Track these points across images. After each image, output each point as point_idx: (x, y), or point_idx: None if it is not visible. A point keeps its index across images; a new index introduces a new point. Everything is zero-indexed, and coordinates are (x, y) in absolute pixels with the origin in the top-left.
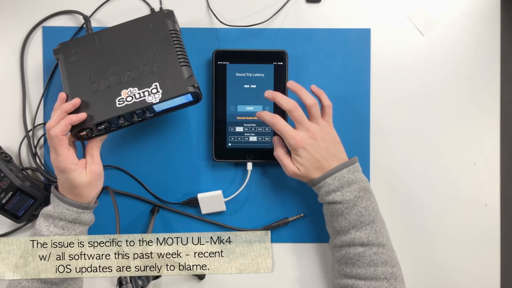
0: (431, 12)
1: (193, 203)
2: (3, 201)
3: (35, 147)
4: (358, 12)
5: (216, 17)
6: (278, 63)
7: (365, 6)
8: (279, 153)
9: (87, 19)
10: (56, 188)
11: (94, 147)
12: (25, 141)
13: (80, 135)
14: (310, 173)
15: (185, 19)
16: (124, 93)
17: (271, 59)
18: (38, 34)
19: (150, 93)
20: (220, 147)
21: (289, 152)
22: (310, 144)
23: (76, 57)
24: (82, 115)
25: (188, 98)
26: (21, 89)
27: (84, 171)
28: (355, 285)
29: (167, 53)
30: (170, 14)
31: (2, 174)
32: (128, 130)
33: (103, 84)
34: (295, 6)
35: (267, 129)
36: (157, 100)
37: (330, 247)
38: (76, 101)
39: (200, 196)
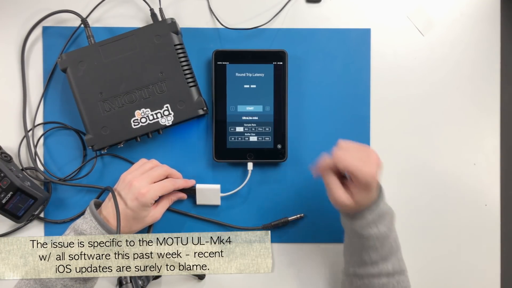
0: (431, 12)
1: (190, 191)
2: (3, 201)
3: (35, 147)
4: (358, 12)
5: (218, 20)
6: (278, 63)
7: (365, 6)
8: (331, 179)
9: (85, 23)
10: (96, 205)
11: (172, 201)
12: (25, 141)
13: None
14: (357, 207)
15: (186, 20)
16: (138, 114)
17: (270, 59)
18: (37, 34)
19: (162, 115)
20: (220, 147)
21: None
22: (373, 185)
23: (84, 72)
24: (181, 182)
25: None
26: (21, 89)
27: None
28: None
29: (175, 71)
30: (173, 25)
31: (2, 174)
32: None
33: (116, 103)
34: (295, 6)
35: (267, 129)
36: (170, 123)
37: (347, 273)
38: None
39: (198, 186)
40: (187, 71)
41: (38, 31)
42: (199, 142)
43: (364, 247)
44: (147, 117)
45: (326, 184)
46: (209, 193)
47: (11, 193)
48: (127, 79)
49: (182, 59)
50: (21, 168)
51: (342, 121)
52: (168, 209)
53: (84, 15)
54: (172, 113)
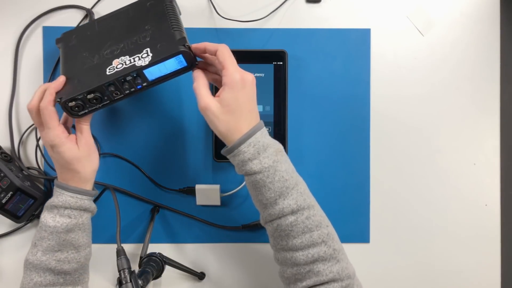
0: (431, 12)
1: (190, 192)
2: (3, 201)
3: (37, 146)
4: (358, 12)
5: (215, 9)
6: (278, 63)
7: (365, 6)
8: (200, 83)
9: (90, 12)
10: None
11: (83, 122)
12: (27, 141)
13: (71, 108)
14: (225, 118)
15: (185, 14)
16: (116, 62)
17: (271, 59)
18: (38, 33)
19: (140, 58)
20: (220, 147)
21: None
22: (242, 87)
23: (75, 41)
24: (61, 78)
25: (181, 62)
26: (16, 88)
27: (76, 145)
28: (293, 258)
29: (162, 23)
30: None
31: (2, 174)
32: (126, 130)
33: (96, 58)
34: (295, 6)
35: (267, 128)
36: (147, 63)
37: (262, 223)
38: (61, 78)
39: (197, 187)
40: (173, 19)
41: (38, 29)
42: (199, 142)
43: (255, 187)
44: (124, 63)
45: (195, 88)
46: (209, 193)
47: (11, 193)
48: (113, 39)
49: (170, 12)
50: (21, 168)
51: (342, 121)
52: (169, 210)
53: (83, 15)
54: (151, 54)
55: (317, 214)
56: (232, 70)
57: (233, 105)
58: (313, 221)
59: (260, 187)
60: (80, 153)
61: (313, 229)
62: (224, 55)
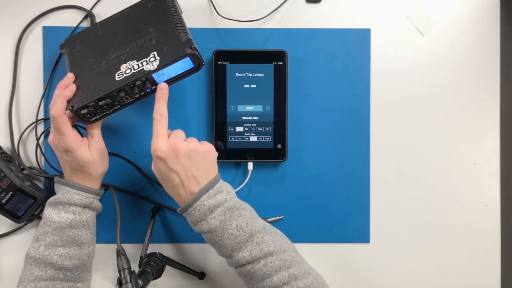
0: (431, 12)
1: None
2: (3, 201)
3: (37, 144)
4: (358, 12)
5: (215, 9)
6: (278, 63)
7: (365, 6)
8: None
9: (91, 14)
10: (60, 177)
11: (94, 127)
12: (27, 140)
13: (83, 115)
14: (165, 186)
15: (185, 14)
16: (123, 67)
17: (271, 59)
18: (38, 33)
19: (148, 62)
20: (221, 147)
21: None
22: (169, 157)
23: (80, 47)
24: (72, 86)
25: (188, 64)
26: (15, 86)
27: (88, 149)
28: None
29: (166, 25)
30: None
31: (2, 174)
32: (126, 130)
33: (103, 64)
34: (295, 6)
35: (267, 128)
36: (155, 67)
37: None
38: (72, 87)
39: None
40: (177, 21)
41: (37, 29)
42: None
43: (210, 242)
44: (132, 68)
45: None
46: None
47: (11, 193)
48: (118, 42)
49: (173, 13)
50: (21, 168)
51: (342, 121)
52: (169, 209)
53: (83, 15)
54: (158, 58)
55: (276, 260)
56: (152, 142)
57: (159, 174)
58: (272, 267)
59: (213, 243)
60: (92, 157)
61: (272, 274)
62: (154, 122)
